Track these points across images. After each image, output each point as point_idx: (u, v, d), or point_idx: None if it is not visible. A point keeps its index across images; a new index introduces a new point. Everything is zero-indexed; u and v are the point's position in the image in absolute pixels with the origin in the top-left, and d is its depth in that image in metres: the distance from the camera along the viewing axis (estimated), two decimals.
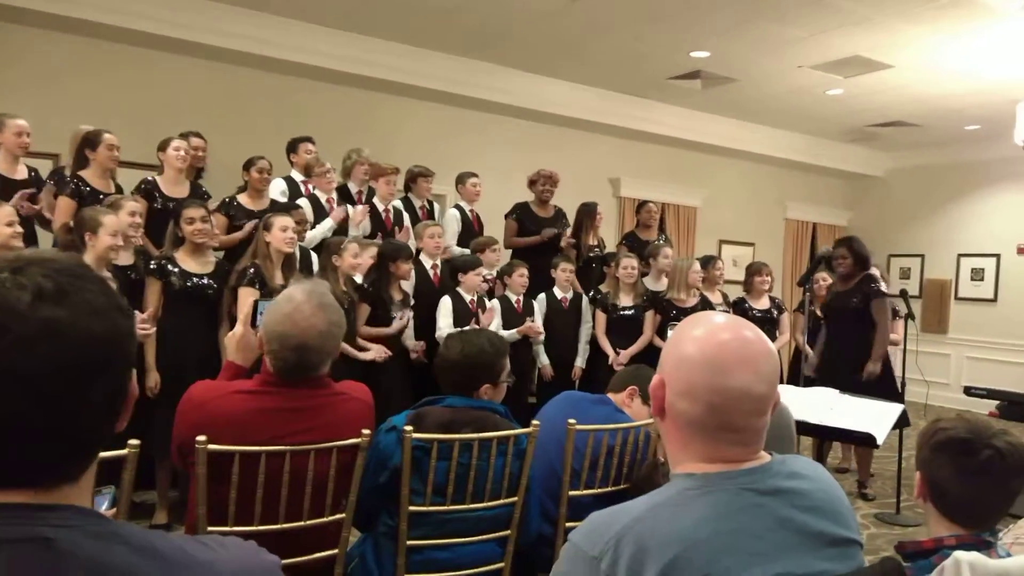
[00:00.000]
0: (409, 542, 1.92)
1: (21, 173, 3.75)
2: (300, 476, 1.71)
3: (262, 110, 5.50)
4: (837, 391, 3.52)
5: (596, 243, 5.40)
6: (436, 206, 5.34)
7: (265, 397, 1.71)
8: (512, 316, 4.53)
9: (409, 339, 4.22)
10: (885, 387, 4.29)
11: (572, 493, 2.22)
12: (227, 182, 4.61)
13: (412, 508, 1.90)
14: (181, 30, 4.92)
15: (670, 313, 4.74)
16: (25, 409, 0.63)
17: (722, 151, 7.87)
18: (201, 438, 1.61)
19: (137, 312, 3.11)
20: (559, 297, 4.81)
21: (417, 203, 5.05)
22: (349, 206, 4.54)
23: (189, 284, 3.43)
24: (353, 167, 4.80)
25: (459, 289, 4.34)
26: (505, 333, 4.28)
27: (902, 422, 3.72)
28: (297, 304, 1.70)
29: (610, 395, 2.48)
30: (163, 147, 3.98)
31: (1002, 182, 7.97)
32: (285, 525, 1.72)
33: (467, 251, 4.81)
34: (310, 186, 4.56)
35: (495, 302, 4.48)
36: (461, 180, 5.21)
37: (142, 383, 3.26)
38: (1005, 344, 7.81)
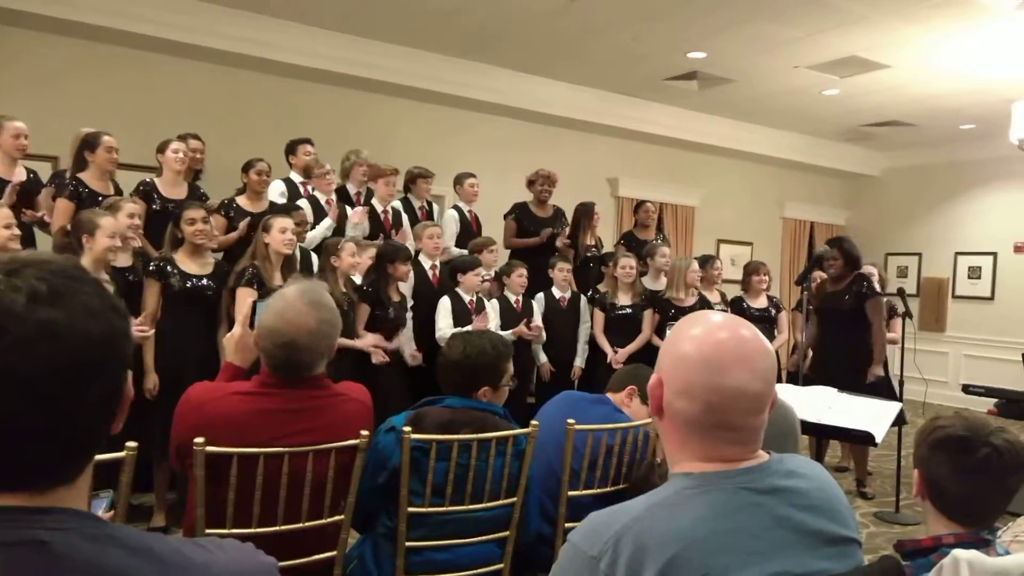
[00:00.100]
0: (408, 543, 1.92)
1: (19, 175, 3.75)
2: (298, 477, 1.71)
3: (260, 112, 5.50)
4: (835, 390, 3.52)
5: (594, 243, 5.40)
6: (435, 207, 5.34)
7: (263, 398, 1.70)
8: (511, 316, 4.54)
9: (409, 342, 4.22)
10: (881, 386, 4.30)
11: (571, 493, 2.22)
12: (225, 184, 4.61)
13: (411, 509, 1.90)
14: (179, 32, 4.92)
15: (668, 312, 4.75)
16: (22, 410, 0.63)
17: (719, 151, 7.88)
18: (199, 440, 1.61)
19: (135, 319, 3.11)
20: (557, 297, 4.81)
21: (416, 204, 5.05)
22: (347, 207, 4.54)
23: (188, 285, 3.43)
24: (352, 168, 4.80)
25: (458, 290, 4.34)
26: (502, 334, 4.28)
27: (899, 420, 3.73)
28: (289, 302, 1.70)
29: (609, 395, 2.48)
30: (161, 149, 3.98)
31: (998, 181, 7.98)
32: (284, 527, 1.72)
33: (465, 252, 4.81)
34: (309, 187, 4.56)
35: (489, 308, 4.47)
36: (459, 181, 5.20)
37: (141, 385, 3.26)
38: (1002, 342, 7.83)
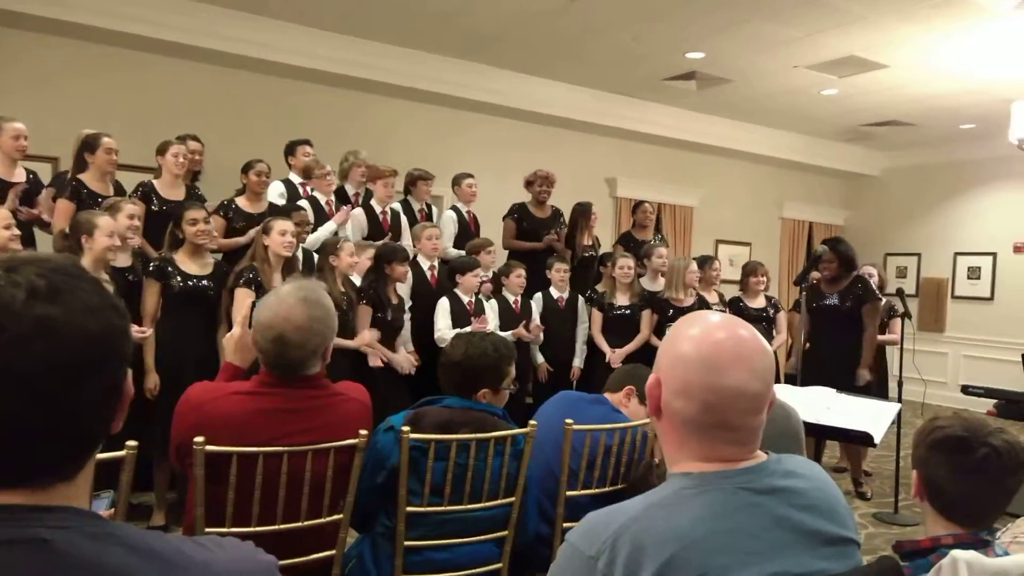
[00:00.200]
0: (406, 543, 1.92)
1: (19, 176, 3.76)
2: (298, 477, 1.71)
3: (259, 113, 5.50)
4: (834, 390, 3.52)
5: (591, 243, 5.40)
6: (435, 209, 5.34)
7: (262, 398, 1.71)
8: (510, 317, 4.54)
9: (407, 343, 4.22)
10: (878, 387, 4.30)
11: (569, 493, 2.22)
12: (224, 185, 4.61)
13: (409, 508, 1.90)
14: (178, 33, 4.92)
15: (667, 313, 4.75)
16: (20, 408, 0.63)
17: (718, 151, 7.88)
18: (199, 439, 1.61)
19: (134, 326, 3.11)
20: (555, 297, 4.82)
21: (416, 206, 5.05)
22: (348, 208, 4.54)
23: (188, 285, 3.43)
24: (351, 169, 4.80)
25: (457, 291, 4.34)
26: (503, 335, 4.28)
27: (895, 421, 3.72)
28: (281, 297, 1.71)
29: (607, 395, 2.48)
30: (161, 151, 3.99)
31: (997, 180, 7.99)
32: (283, 526, 1.72)
33: (463, 253, 4.81)
34: (309, 188, 4.56)
35: (488, 309, 4.47)
36: (457, 181, 5.20)
37: (141, 384, 3.26)
38: (1002, 342, 7.83)
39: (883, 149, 8.65)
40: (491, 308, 4.51)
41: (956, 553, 1.12)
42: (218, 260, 3.72)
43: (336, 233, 4.21)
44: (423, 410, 2.01)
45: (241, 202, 4.17)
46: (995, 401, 7.54)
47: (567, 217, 5.37)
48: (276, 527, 1.71)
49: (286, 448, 1.68)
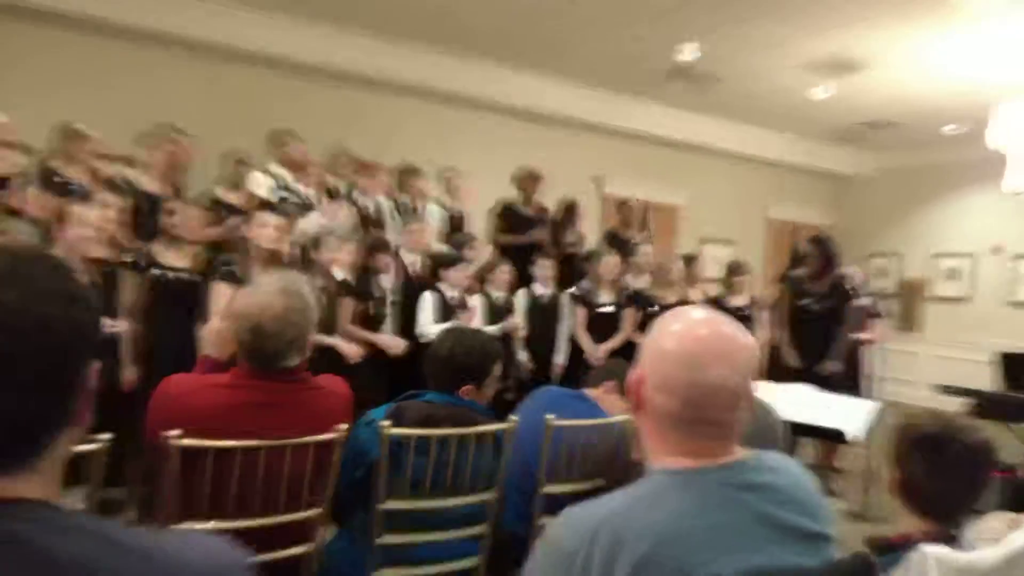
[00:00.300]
0: (385, 536, 1.91)
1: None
2: (276, 471, 1.69)
3: (247, 105, 5.42)
4: (814, 387, 3.56)
5: (575, 240, 5.41)
6: (422, 204, 5.31)
7: (240, 391, 1.69)
8: (495, 313, 4.53)
9: (391, 337, 4.19)
10: (841, 381, 4.36)
11: (548, 489, 2.22)
12: (209, 177, 4.56)
13: (388, 503, 1.90)
14: (168, 25, 4.87)
15: (651, 310, 4.77)
16: None
17: (705, 150, 7.91)
18: (174, 432, 1.59)
19: (107, 319, 3.08)
20: (539, 294, 4.81)
21: (405, 201, 5.02)
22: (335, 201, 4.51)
23: (168, 277, 3.40)
24: (337, 163, 4.77)
25: (440, 285, 4.32)
26: (487, 330, 4.27)
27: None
28: (260, 287, 1.72)
29: (587, 391, 2.49)
30: (148, 145, 3.96)
31: (978, 183, 8.07)
32: (260, 520, 1.70)
33: (447, 248, 4.80)
34: (297, 183, 4.50)
35: (475, 303, 4.46)
36: (444, 176, 5.19)
37: (118, 377, 3.22)
38: (979, 343, 7.94)
39: (868, 150, 8.74)
40: (476, 304, 4.49)
41: (925, 548, 1.13)
42: (197, 251, 3.68)
43: (322, 227, 4.17)
44: (404, 404, 2.00)
45: (221, 192, 4.14)
46: (973, 401, 7.63)
47: (554, 214, 5.37)
48: (253, 522, 1.69)
49: (264, 442, 1.66)
